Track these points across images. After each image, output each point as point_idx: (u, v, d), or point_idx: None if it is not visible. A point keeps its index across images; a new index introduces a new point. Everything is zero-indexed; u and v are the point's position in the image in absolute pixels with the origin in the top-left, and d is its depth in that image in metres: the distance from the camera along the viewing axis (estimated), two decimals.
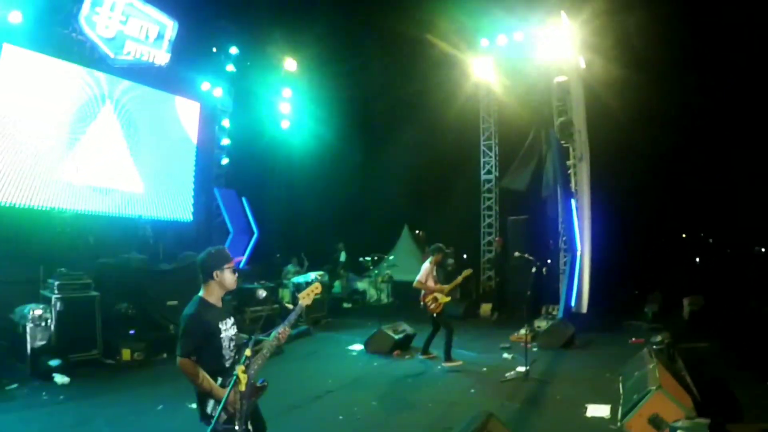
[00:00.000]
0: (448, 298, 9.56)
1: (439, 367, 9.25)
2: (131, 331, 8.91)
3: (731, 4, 16.13)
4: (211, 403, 3.61)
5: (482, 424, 5.12)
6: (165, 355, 8.96)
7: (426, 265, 9.61)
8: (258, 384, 3.73)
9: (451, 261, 17.51)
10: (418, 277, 9.54)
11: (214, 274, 3.72)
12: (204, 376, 3.54)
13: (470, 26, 15.05)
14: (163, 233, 12.22)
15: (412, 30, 15.74)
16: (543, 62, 13.93)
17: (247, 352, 3.60)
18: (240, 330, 3.93)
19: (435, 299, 9.33)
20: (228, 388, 3.42)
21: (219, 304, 3.80)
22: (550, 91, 13.95)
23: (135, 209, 11.60)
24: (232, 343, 3.78)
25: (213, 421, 3.49)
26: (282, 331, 3.82)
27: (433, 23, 15.15)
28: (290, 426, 6.23)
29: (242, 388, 3.50)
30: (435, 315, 9.39)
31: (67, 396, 6.98)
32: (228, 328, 3.76)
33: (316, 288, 4.07)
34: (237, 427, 3.48)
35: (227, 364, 3.72)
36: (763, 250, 24.22)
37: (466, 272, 10.04)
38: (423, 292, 9.43)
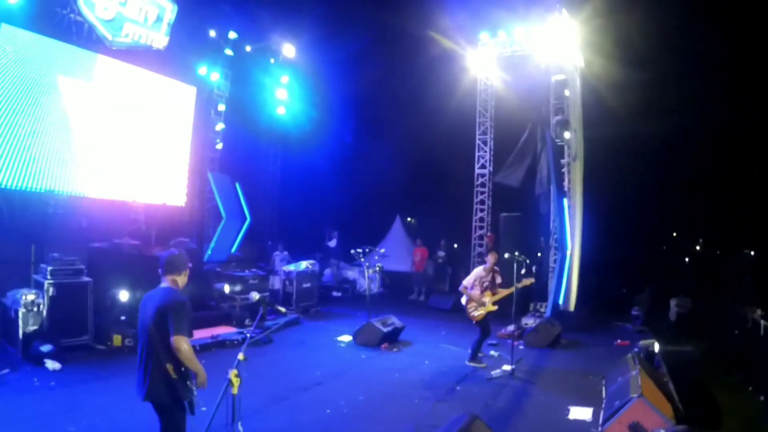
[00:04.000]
0: (495, 307, 9.05)
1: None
2: (122, 317, 8.93)
3: (732, 5, 16.19)
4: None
5: (466, 425, 5.25)
6: None
7: (477, 270, 9.18)
8: None
9: (442, 254, 17.66)
10: (464, 282, 9.12)
11: (184, 271, 4.23)
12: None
13: (471, 20, 15.00)
14: (155, 218, 12.22)
15: (412, 22, 15.71)
16: (542, 59, 13.90)
17: (240, 356, 3.81)
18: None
19: (480, 306, 9.00)
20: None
21: None
22: (548, 88, 13.90)
23: (128, 193, 11.55)
24: None
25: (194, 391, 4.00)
26: None
27: (434, 16, 15.11)
28: (277, 418, 6.35)
29: (235, 391, 3.71)
30: (475, 322, 9.13)
31: (58, 382, 7.02)
32: None
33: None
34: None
35: None
36: (752, 252, 24.48)
37: (527, 281, 9.04)
38: (466, 296, 9.08)
